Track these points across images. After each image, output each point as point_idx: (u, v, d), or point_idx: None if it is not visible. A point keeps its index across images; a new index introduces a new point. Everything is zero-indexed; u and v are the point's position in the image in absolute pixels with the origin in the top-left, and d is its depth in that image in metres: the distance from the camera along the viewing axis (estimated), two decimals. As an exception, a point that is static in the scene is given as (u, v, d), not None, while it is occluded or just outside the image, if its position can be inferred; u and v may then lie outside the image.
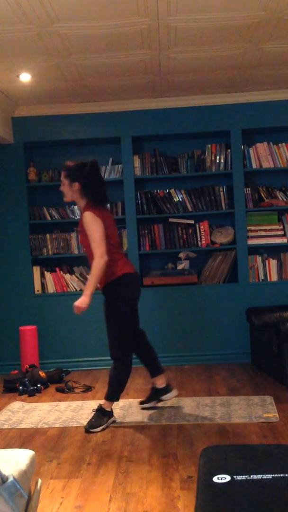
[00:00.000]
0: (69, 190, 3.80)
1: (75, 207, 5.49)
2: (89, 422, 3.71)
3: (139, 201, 5.44)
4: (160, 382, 4.04)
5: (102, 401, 3.83)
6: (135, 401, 4.22)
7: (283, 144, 5.40)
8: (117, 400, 3.86)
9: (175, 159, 5.51)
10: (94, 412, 3.79)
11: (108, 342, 3.83)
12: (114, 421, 3.80)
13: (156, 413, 3.93)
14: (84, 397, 4.49)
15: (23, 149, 5.44)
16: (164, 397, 4.04)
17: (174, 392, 4.05)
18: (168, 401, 4.07)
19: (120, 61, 4.25)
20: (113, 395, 3.82)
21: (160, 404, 4.11)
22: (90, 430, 3.66)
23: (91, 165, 3.79)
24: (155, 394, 4.05)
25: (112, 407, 3.82)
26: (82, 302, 3.68)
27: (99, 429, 3.68)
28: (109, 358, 4.14)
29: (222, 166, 5.42)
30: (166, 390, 4.04)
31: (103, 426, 3.70)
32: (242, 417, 3.75)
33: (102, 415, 3.74)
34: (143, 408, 4.04)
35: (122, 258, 3.86)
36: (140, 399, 4.18)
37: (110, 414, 3.79)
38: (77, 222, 5.52)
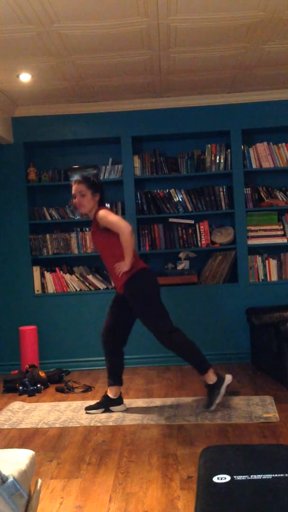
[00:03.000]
0: (91, 201, 3.95)
1: (75, 207, 5.49)
2: (205, 402, 3.94)
3: (139, 201, 5.44)
4: (114, 393, 4.06)
5: (204, 378, 3.94)
6: (135, 401, 4.23)
7: (283, 144, 5.40)
8: (209, 365, 3.94)
9: (175, 159, 5.51)
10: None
11: (152, 330, 3.96)
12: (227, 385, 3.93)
13: (156, 413, 3.93)
14: (84, 397, 4.49)
15: (23, 149, 5.44)
16: (114, 408, 4.04)
17: (123, 407, 4.06)
18: (118, 412, 4.04)
19: (120, 61, 4.26)
20: (200, 364, 3.94)
21: (160, 404, 4.11)
22: (205, 409, 3.89)
23: (98, 176, 4.11)
24: (106, 402, 4.06)
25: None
26: (125, 265, 3.82)
27: (213, 407, 3.87)
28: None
29: (222, 166, 5.42)
30: (118, 402, 4.06)
31: (217, 401, 3.88)
32: (242, 417, 3.75)
33: (211, 391, 3.90)
34: (88, 413, 4.03)
35: (136, 255, 4.02)
36: (133, 399, 4.17)
37: (218, 384, 3.89)
38: (77, 222, 5.54)
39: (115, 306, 4.07)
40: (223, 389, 3.91)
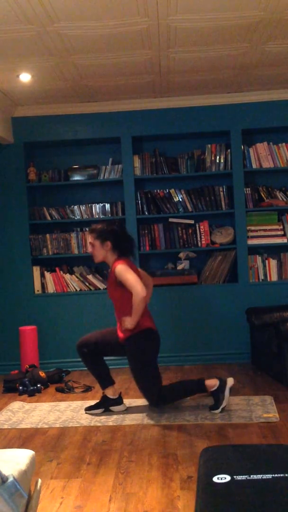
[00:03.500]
0: (101, 250, 3.94)
1: (75, 207, 5.49)
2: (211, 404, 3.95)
3: (139, 201, 5.44)
4: (111, 393, 4.05)
5: (207, 391, 3.92)
6: (135, 401, 4.23)
7: (283, 144, 5.40)
8: (202, 380, 3.91)
9: (175, 159, 5.51)
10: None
11: (141, 388, 3.94)
12: (230, 388, 3.91)
13: (156, 413, 3.93)
14: (84, 397, 4.49)
15: (23, 149, 5.44)
16: (114, 408, 4.04)
17: (123, 407, 4.06)
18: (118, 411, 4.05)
19: (120, 61, 4.25)
20: (196, 389, 3.94)
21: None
22: (212, 411, 3.89)
23: (120, 224, 4.07)
24: (105, 402, 4.05)
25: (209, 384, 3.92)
26: (130, 324, 3.81)
27: (219, 410, 3.86)
28: (109, 358, 4.16)
29: (222, 166, 5.42)
30: (118, 401, 4.06)
31: (224, 405, 3.86)
32: (242, 417, 3.75)
33: (216, 396, 3.88)
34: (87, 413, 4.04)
35: (147, 311, 3.94)
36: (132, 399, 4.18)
37: (221, 387, 3.87)
38: (77, 222, 5.54)
39: (113, 336, 4.02)
40: (227, 392, 3.88)
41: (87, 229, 5.48)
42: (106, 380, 4.07)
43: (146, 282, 4.04)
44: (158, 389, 3.90)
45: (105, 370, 4.08)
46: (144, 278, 4.06)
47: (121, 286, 3.82)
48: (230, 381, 3.91)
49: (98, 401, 4.10)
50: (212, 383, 3.89)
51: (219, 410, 3.86)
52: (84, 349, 4.00)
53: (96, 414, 3.99)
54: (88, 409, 4.05)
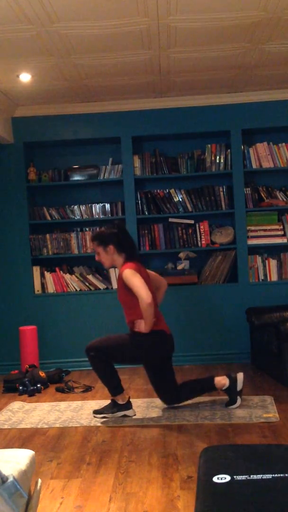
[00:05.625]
0: (106, 255, 3.89)
1: (75, 207, 5.49)
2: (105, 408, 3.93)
3: (139, 201, 5.44)
4: (121, 399, 3.91)
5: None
6: (135, 401, 4.22)
7: (283, 144, 5.40)
8: (211, 380, 4.00)
9: (175, 159, 5.51)
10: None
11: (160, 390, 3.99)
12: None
13: (156, 413, 3.93)
14: (84, 397, 4.49)
15: (23, 149, 5.44)
16: (124, 413, 3.92)
17: (132, 412, 3.93)
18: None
19: (120, 61, 4.26)
20: (205, 387, 4.04)
21: (160, 404, 4.11)
22: (228, 407, 3.96)
23: (119, 226, 3.97)
24: (114, 407, 3.93)
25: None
26: (144, 329, 3.79)
27: (235, 406, 3.95)
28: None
29: (222, 166, 5.42)
30: (127, 406, 3.93)
31: (107, 415, 3.86)
32: (242, 417, 3.75)
33: (229, 393, 3.97)
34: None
35: (159, 313, 3.93)
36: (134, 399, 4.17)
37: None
38: (77, 222, 5.54)
39: (125, 342, 3.93)
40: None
41: (87, 229, 5.50)
42: (116, 388, 3.90)
43: (157, 283, 4.02)
44: (172, 390, 3.92)
45: (115, 378, 3.89)
46: (155, 280, 4.03)
47: (129, 290, 3.74)
48: (240, 377, 3.97)
49: (106, 404, 3.97)
50: (221, 382, 3.93)
51: (236, 405, 3.93)
52: (91, 352, 3.83)
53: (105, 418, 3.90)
54: (96, 412, 3.92)
